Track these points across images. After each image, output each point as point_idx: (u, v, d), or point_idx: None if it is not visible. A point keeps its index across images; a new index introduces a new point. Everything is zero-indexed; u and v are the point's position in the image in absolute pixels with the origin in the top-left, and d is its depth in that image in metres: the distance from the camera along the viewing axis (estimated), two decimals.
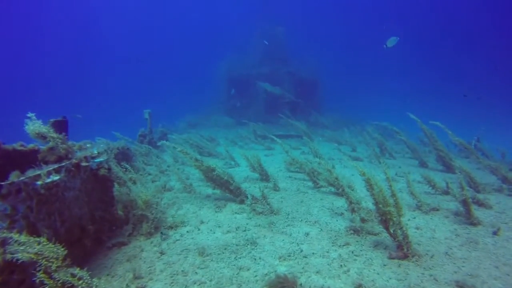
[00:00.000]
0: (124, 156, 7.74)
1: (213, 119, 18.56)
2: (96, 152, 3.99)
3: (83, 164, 3.52)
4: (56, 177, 2.90)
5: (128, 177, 5.92)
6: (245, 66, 19.69)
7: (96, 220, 3.84)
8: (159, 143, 12.18)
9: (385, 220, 3.39)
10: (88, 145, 4.27)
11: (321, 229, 4.26)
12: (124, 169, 6.09)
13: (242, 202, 5.43)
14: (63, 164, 3.16)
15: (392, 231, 3.39)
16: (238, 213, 5.02)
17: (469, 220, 4.30)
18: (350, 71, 50.56)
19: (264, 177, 6.84)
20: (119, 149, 7.56)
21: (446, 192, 5.81)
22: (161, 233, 4.25)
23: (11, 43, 53.24)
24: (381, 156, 9.44)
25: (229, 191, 5.59)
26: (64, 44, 56.65)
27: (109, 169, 4.17)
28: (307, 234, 4.12)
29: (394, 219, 3.32)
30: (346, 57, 52.46)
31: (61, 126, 5.56)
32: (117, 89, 54.03)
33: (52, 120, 5.39)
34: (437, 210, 4.85)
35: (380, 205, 3.35)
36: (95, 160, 3.88)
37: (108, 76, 57.61)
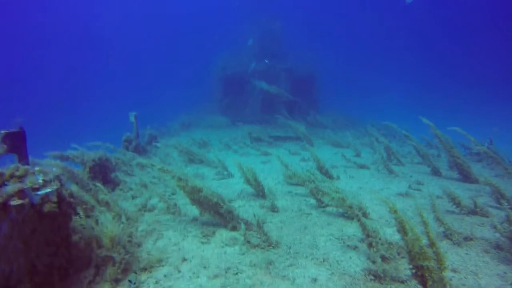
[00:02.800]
0: (102, 169, 6.80)
1: (207, 119, 17.61)
2: (40, 180, 3.07)
3: (14, 202, 2.61)
4: None
5: (101, 199, 5.02)
6: (240, 63, 18.61)
7: (40, 272, 2.94)
8: (148, 148, 11.26)
9: (422, 276, 2.51)
10: (36, 169, 3.35)
11: (332, 272, 3.38)
12: (96, 189, 5.18)
13: (234, 229, 4.55)
14: None
15: None
16: (229, 245, 4.13)
17: None
18: (350, 68, 49.69)
19: (261, 193, 5.95)
20: (96, 161, 6.62)
21: (473, 212, 4.95)
22: (129, 280, 3.35)
23: None
24: (388, 161, 8.57)
25: (219, 215, 4.69)
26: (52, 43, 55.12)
27: (62, 201, 3.25)
28: (314, 280, 3.24)
29: (434, 276, 2.45)
30: (347, 53, 51.55)
31: (15, 140, 4.61)
32: (107, 90, 52.61)
33: (3, 131, 4.45)
34: (471, 240, 3.99)
35: (416, 257, 2.47)
36: (39, 193, 2.96)
37: (98, 76, 56.12)
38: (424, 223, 2.88)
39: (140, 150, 10.51)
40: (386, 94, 44.91)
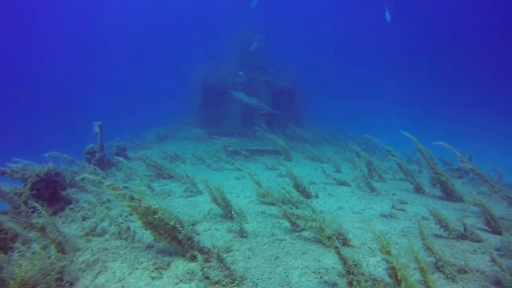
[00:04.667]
0: (49, 185, 5.92)
1: (184, 131, 16.86)
2: None
3: None
4: None
5: (35, 224, 4.20)
6: (220, 75, 18.25)
7: None
8: (114, 161, 10.37)
9: None
10: None
11: None
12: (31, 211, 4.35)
13: (193, 259, 3.84)
14: None
15: None
16: (184, 281, 3.42)
17: None
18: (331, 81, 50.20)
19: (229, 214, 5.26)
20: (41, 176, 5.75)
21: (463, 236, 4.47)
22: None
23: None
24: (369, 178, 8.12)
25: (176, 242, 3.97)
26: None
27: None
28: None
29: None
30: (331, 64, 52.16)
31: None
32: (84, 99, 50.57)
33: None
34: (466, 272, 3.46)
35: None
36: None
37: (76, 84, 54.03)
38: (417, 260, 2.31)
39: (104, 163, 9.62)
40: (368, 106, 45.67)
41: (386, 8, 19.00)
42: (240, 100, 16.31)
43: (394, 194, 7.06)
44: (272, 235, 4.56)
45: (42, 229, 4.11)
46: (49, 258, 3.38)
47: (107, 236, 4.74)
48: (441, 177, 6.87)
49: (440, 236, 4.59)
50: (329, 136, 17.05)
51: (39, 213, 4.49)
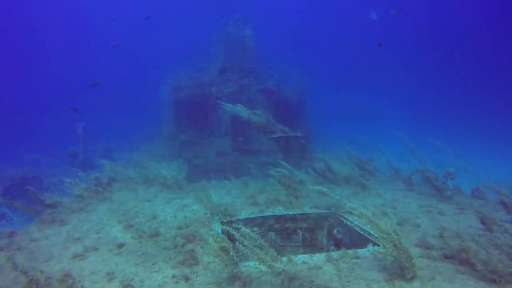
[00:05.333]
0: (21, 189, 5.58)
1: (145, 168, 10.35)
2: None
3: None
4: None
5: None
6: (200, 83, 12.86)
7: None
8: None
9: None
10: None
11: None
12: None
13: None
14: None
15: None
16: None
17: None
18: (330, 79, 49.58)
19: None
20: (15, 181, 5.40)
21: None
22: None
23: None
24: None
25: None
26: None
27: None
28: None
29: None
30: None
31: None
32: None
33: None
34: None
35: None
36: None
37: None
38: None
39: (87, 165, 9.25)
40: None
41: (372, 11, 18.87)
42: (232, 114, 10.95)
43: (385, 193, 6.92)
44: None
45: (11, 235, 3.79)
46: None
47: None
48: (430, 174, 6.80)
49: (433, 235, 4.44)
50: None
51: (9, 219, 4.19)
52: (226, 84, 12.63)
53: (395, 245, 2.99)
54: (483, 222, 4.42)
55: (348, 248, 3.98)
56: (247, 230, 3.12)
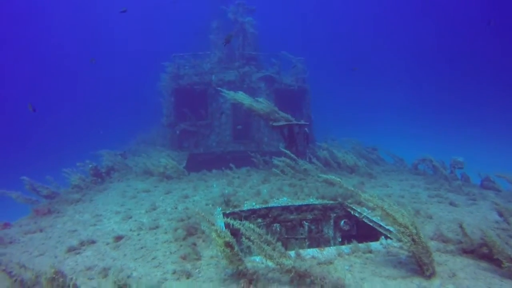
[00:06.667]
0: None
1: (143, 158, 10.00)
2: None
3: None
4: None
5: None
6: (200, 70, 12.56)
7: None
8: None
9: None
10: None
11: None
12: None
13: None
14: None
15: None
16: None
17: None
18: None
19: None
20: None
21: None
22: None
23: None
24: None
25: None
26: None
27: None
28: None
29: None
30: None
31: None
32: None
33: None
34: None
35: None
36: None
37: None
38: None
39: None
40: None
41: None
42: (233, 103, 10.62)
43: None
44: None
45: None
46: None
47: None
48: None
49: None
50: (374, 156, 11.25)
51: None
52: (227, 71, 12.51)
53: (413, 240, 2.76)
54: (500, 214, 4.20)
55: (357, 240, 3.77)
56: (252, 225, 2.88)
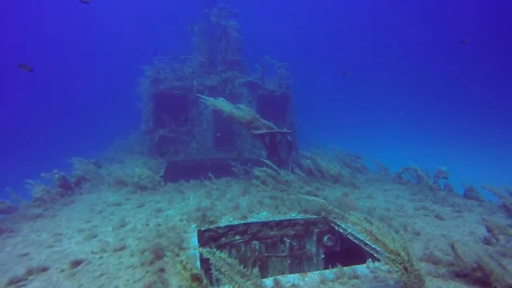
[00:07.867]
0: None
1: (117, 168, 9.04)
2: None
3: None
4: None
5: None
6: (180, 75, 11.93)
7: None
8: None
9: None
10: None
11: None
12: None
13: None
14: None
15: None
16: None
17: None
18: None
19: None
20: None
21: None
22: None
23: None
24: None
25: None
26: None
27: None
28: None
29: None
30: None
31: None
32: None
33: None
34: None
35: None
36: None
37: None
38: None
39: None
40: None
41: None
42: (213, 109, 10.12)
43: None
44: None
45: None
46: None
47: None
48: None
49: None
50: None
51: None
52: (208, 76, 11.99)
53: (405, 268, 2.47)
54: (489, 230, 4.00)
55: (341, 257, 3.46)
56: (223, 255, 2.51)
